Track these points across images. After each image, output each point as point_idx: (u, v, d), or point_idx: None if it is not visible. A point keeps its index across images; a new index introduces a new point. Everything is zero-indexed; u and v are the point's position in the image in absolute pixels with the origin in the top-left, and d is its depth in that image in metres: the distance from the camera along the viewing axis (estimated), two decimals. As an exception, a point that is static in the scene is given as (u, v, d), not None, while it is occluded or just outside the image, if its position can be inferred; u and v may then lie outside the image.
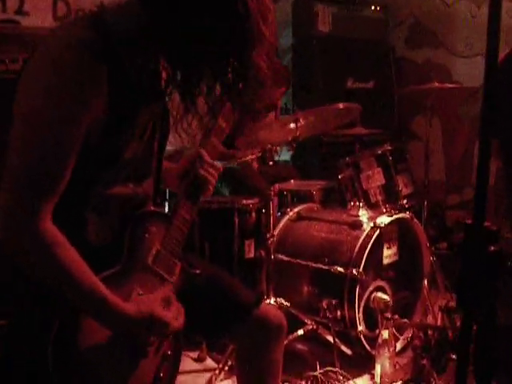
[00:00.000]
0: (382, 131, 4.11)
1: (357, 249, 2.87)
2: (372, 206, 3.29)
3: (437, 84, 3.73)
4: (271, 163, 2.82)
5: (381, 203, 3.37)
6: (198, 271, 1.69)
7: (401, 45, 5.53)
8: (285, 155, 4.90)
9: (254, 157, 2.85)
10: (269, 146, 2.80)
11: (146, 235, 1.54)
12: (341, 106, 2.94)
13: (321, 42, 5.09)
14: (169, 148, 1.75)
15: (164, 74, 1.48)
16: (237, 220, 3.14)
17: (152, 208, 1.61)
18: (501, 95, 2.38)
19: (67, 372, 1.35)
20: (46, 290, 1.36)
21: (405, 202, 3.37)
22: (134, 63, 1.40)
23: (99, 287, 1.37)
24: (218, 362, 2.84)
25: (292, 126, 2.94)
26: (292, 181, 3.82)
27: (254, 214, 3.23)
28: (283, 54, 5.44)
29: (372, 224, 2.93)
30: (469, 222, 0.96)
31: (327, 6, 5.10)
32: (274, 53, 1.40)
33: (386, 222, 2.93)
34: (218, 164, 1.76)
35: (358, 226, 2.97)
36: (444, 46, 5.35)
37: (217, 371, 2.74)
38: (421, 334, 2.87)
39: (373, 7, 5.29)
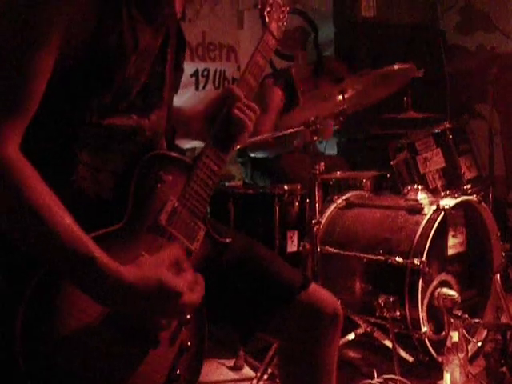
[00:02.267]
0: (437, 115, 3.67)
1: (418, 236, 2.45)
2: (431, 193, 2.86)
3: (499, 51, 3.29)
4: (315, 138, 2.43)
5: (441, 189, 2.94)
6: (228, 240, 1.31)
7: (451, 30, 5.12)
8: (332, 149, 4.54)
9: (296, 130, 2.47)
10: (312, 118, 2.42)
11: (159, 185, 1.17)
12: (395, 66, 2.53)
13: (365, 29, 4.76)
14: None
15: None
16: (278, 208, 2.76)
17: (167, 151, 1.24)
18: None
19: (39, 358, 0.99)
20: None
21: (468, 186, 2.93)
22: None
23: (85, 241, 0.99)
24: (256, 371, 2.46)
25: (339, 98, 2.57)
26: (338, 172, 3.40)
27: (296, 203, 2.85)
28: (325, 46, 5.12)
29: (435, 207, 2.51)
30: None
31: (371, -11, 4.76)
32: None
33: (451, 204, 2.51)
34: (256, 106, 1.39)
35: (417, 210, 2.55)
36: (499, 29, 4.92)
37: (254, 381, 2.37)
38: (497, 337, 2.43)
39: (420, -11, 4.92)
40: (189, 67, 4.11)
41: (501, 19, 4.89)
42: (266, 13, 1.54)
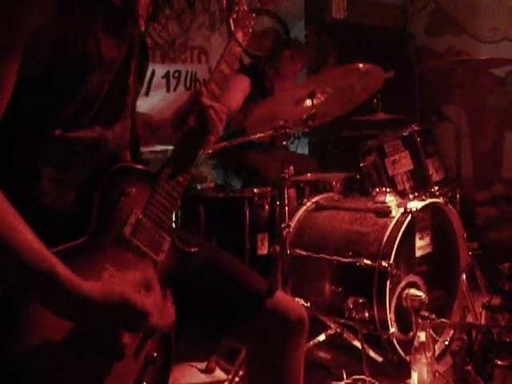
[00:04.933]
0: (405, 117, 3.72)
1: (386, 238, 2.49)
2: (399, 195, 2.91)
3: (466, 55, 3.36)
4: (284, 143, 2.45)
5: (409, 191, 2.99)
6: (193, 250, 1.33)
7: (421, 32, 5.18)
8: (303, 148, 4.58)
9: (264, 135, 2.49)
10: (281, 122, 2.44)
11: (123, 198, 1.18)
12: (360, 65, 2.56)
13: (335, 31, 4.80)
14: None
15: None
16: (247, 211, 2.79)
17: (131, 164, 1.25)
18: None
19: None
20: None
21: (436, 188, 2.99)
22: None
23: (47, 257, 0.99)
24: (228, 373, 2.48)
25: (308, 102, 2.59)
26: (309, 174, 3.44)
27: (266, 206, 2.88)
28: (296, 47, 5.15)
29: (402, 210, 2.55)
30: None
31: (342, -8, 4.80)
32: None
33: (419, 207, 2.55)
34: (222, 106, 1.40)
35: (385, 212, 2.59)
36: (467, 32, 5.00)
37: (226, 383, 2.38)
38: (463, 336, 2.48)
39: (390, -8, 4.98)
40: (160, 69, 4.10)
41: (469, 22, 4.96)
42: (231, 20, 1.55)
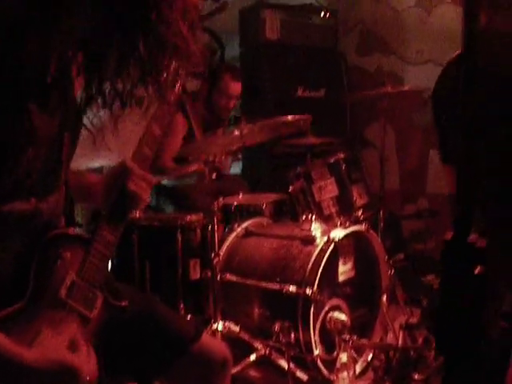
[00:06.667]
0: (334, 140, 3.90)
1: (310, 266, 2.65)
2: (325, 219, 3.09)
3: (390, 88, 3.56)
4: (214, 177, 2.58)
5: (335, 215, 3.17)
6: (124, 303, 1.43)
7: (352, 52, 5.39)
8: (234, 169, 4.69)
9: (194, 170, 2.61)
10: (211, 157, 2.56)
11: (59, 263, 1.28)
12: (289, 118, 2.73)
13: (269, 50, 4.92)
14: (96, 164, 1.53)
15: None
16: (180, 238, 2.89)
17: (65, 230, 1.35)
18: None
19: None
20: None
21: (360, 213, 3.18)
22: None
23: None
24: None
25: (236, 133, 2.72)
26: (240, 195, 3.58)
27: (198, 232, 2.99)
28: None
29: (326, 238, 2.72)
30: (449, 236, 0.75)
31: (275, 12, 4.92)
32: (197, 18, 1.18)
33: (341, 236, 2.73)
34: (151, 176, 1.50)
35: (310, 240, 2.76)
36: (395, 53, 5.23)
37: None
38: (381, 355, 2.67)
39: (322, 13, 5.13)
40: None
41: (396, 44, 5.18)
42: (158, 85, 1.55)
